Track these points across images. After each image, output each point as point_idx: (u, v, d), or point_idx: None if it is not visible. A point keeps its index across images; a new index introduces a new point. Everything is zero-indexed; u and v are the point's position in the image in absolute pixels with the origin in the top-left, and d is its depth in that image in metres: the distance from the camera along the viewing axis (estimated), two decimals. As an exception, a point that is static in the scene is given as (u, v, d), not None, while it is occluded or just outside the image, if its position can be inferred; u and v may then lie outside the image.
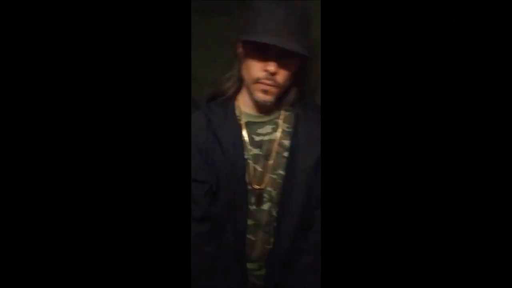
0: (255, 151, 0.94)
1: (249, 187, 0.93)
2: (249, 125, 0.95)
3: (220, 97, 0.97)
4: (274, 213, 0.93)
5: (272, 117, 0.96)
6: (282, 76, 0.88)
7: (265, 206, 0.93)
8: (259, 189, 0.93)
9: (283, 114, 0.96)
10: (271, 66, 0.86)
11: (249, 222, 0.93)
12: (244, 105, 0.96)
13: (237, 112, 0.96)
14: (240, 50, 0.91)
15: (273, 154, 0.94)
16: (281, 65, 0.87)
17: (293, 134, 0.95)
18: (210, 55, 1.34)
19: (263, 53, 0.86)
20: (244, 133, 0.95)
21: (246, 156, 0.93)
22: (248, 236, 0.93)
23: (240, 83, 0.95)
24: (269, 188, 0.93)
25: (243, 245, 0.93)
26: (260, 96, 0.90)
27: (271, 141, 0.95)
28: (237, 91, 0.97)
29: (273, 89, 0.89)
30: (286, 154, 0.94)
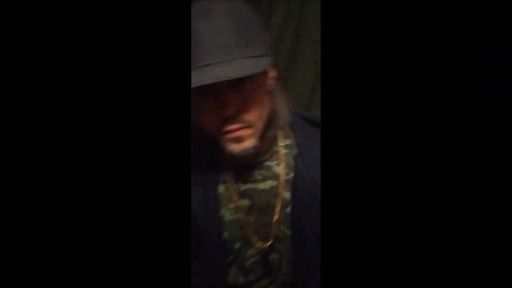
0: (244, 202, 0.74)
1: (239, 244, 0.74)
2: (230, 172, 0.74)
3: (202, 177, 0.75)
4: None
5: (261, 160, 0.75)
6: (250, 111, 0.66)
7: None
8: (262, 247, 0.73)
9: (281, 154, 0.75)
10: (227, 110, 0.64)
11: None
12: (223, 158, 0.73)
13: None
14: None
15: (275, 208, 0.74)
16: (243, 98, 0.66)
17: (293, 182, 0.74)
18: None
19: (215, 94, 0.65)
20: (221, 186, 0.74)
21: (222, 212, 0.73)
22: None
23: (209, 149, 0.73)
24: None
25: None
26: (234, 148, 0.67)
27: (265, 192, 0.75)
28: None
29: (246, 132, 0.67)
30: (288, 209, 0.74)
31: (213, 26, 0.64)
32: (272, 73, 0.71)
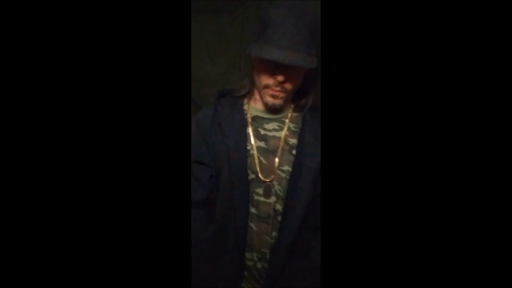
0: (260, 143, 0.98)
1: (254, 177, 0.96)
2: (255, 119, 1.01)
3: (231, 95, 1.04)
4: (279, 208, 0.96)
5: (279, 116, 1.02)
6: (290, 84, 0.95)
7: (271, 199, 0.96)
8: (266, 181, 0.96)
9: (290, 114, 1.02)
10: (279, 77, 0.92)
11: (252, 210, 0.96)
12: (254, 103, 1.03)
13: (245, 108, 1.02)
14: (250, 58, 0.96)
15: (279, 150, 0.98)
16: (289, 74, 0.93)
17: (300, 134, 1.00)
18: (211, 55, 1.34)
19: (271, 64, 0.91)
20: (249, 126, 1.00)
21: (248, 147, 0.97)
22: (250, 224, 0.96)
23: (252, 85, 1.02)
24: (275, 183, 0.96)
25: (244, 232, 0.96)
26: (269, 100, 0.97)
27: (276, 138, 0.99)
28: (249, 92, 1.03)
29: (281, 94, 0.96)
30: (293, 151, 0.98)
31: (295, 20, 0.88)
32: (316, 69, 0.97)
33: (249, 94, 1.03)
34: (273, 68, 0.92)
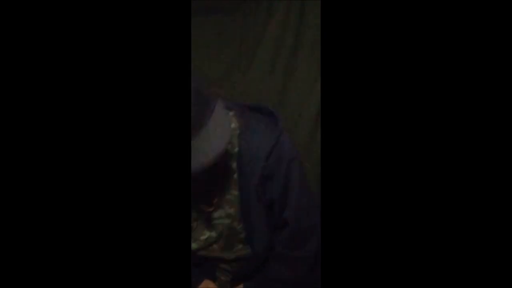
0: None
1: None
2: None
3: None
4: (237, 226, 0.98)
5: None
6: None
7: (222, 221, 0.98)
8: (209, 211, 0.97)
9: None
10: None
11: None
12: None
13: None
14: None
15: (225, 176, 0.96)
16: None
17: (238, 154, 0.96)
18: (211, 54, 1.34)
19: None
20: None
21: None
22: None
23: None
24: (225, 206, 0.97)
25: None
26: None
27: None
28: None
29: None
30: (235, 176, 0.96)
31: None
32: None
33: None
34: None
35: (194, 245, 0.99)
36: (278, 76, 1.24)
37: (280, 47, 1.22)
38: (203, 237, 1.00)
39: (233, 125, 0.96)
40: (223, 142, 0.83)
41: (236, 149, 0.96)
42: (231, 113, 0.97)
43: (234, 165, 0.96)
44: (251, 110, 1.01)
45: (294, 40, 1.21)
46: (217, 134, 0.82)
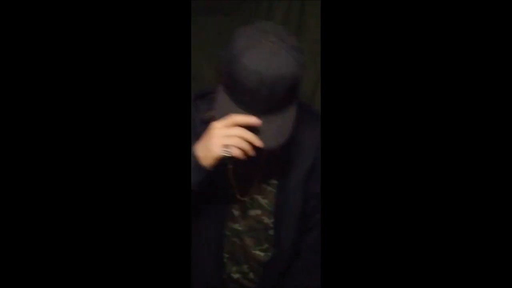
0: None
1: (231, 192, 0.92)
2: None
3: (210, 94, 0.90)
4: (267, 221, 0.93)
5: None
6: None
7: (252, 213, 0.93)
8: (243, 199, 0.92)
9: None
10: None
11: (234, 226, 0.93)
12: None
13: None
14: None
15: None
16: None
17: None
18: (210, 55, 1.34)
19: None
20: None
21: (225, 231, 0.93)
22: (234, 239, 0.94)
23: None
24: (257, 196, 0.93)
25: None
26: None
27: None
28: None
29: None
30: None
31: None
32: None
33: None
34: None
35: (227, 232, 0.94)
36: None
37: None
38: (235, 226, 0.94)
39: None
40: (291, 124, 0.78)
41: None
42: None
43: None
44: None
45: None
46: (286, 117, 0.78)
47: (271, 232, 0.93)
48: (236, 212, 0.93)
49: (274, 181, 0.92)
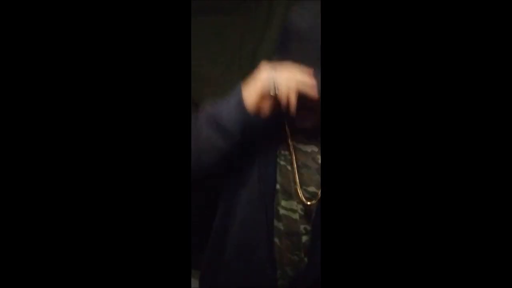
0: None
1: (279, 188, 0.88)
2: None
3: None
4: (304, 228, 0.88)
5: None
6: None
7: (296, 216, 0.88)
8: (308, 203, 0.86)
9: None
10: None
11: (277, 224, 0.88)
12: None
13: None
14: None
15: (305, 167, 0.88)
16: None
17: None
18: (210, 55, 1.34)
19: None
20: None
21: (278, 157, 0.88)
22: (274, 239, 0.88)
23: None
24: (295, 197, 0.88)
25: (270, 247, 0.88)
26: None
27: (305, 153, 0.89)
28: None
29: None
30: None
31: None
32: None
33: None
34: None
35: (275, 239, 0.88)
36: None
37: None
38: (276, 225, 0.88)
39: None
40: None
41: None
42: None
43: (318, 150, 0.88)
44: None
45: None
46: None
47: (307, 239, 0.87)
48: (281, 212, 0.88)
49: (313, 189, 0.87)
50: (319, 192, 0.86)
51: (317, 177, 0.87)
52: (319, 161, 0.88)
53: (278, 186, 0.88)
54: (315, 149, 0.88)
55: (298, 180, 0.87)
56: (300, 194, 0.86)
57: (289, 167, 0.88)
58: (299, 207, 0.88)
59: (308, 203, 0.86)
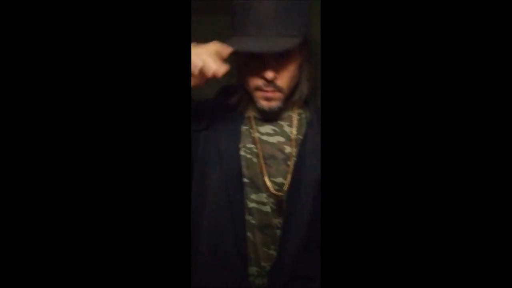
0: (251, 146, 0.88)
1: (248, 181, 0.87)
2: (251, 119, 0.90)
3: (227, 113, 0.90)
4: (277, 222, 0.87)
5: (276, 118, 0.90)
6: (283, 80, 0.83)
7: (268, 209, 0.88)
8: (277, 194, 0.86)
9: (292, 117, 0.90)
10: (268, 73, 0.80)
11: (248, 219, 0.88)
12: (252, 111, 0.91)
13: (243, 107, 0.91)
14: (233, 58, 0.83)
15: (271, 158, 0.88)
16: (279, 68, 0.81)
17: (302, 142, 0.89)
18: (210, 55, 1.33)
19: (256, 58, 0.80)
20: (243, 125, 0.89)
21: (242, 149, 0.88)
22: (247, 233, 0.87)
23: (243, 90, 0.89)
24: (265, 194, 0.88)
25: (243, 243, 0.87)
26: (264, 104, 0.85)
27: (269, 144, 0.89)
28: (242, 98, 0.91)
29: (276, 95, 0.84)
30: (288, 162, 0.88)
31: (257, 5, 0.77)
32: (303, 52, 0.84)
33: (243, 101, 0.90)
34: (259, 64, 0.80)
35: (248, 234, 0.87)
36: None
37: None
38: (248, 219, 0.87)
39: (304, 113, 0.91)
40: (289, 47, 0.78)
41: (301, 137, 0.89)
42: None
43: (290, 150, 0.88)
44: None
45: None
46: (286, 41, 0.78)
47: (278, 232, 0.86)
48: (250, 205, 0.87)
49: (281, 180, 0.87)
50: (287, 182, 0.87)
51: (284, 167, 0.88)
52: (286, 151, 0.89)
53: (245, 179, 0.88)
54: (281, 139, 0.89)
55: (265, 172, 0.88)
56: (270, 186, 0.87)
57: (255, 160, 0.88)
58: (270, 200, 0.88)
59: (279, 194, 0.86)
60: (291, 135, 0.90)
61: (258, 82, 0.82)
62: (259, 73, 0.82)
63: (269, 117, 0.89)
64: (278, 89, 0.83)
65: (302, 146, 0.88)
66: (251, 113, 0.91)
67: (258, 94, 0.84)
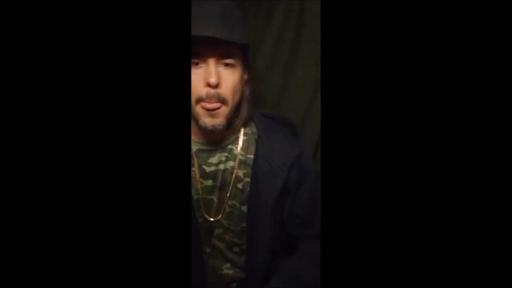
0: (206, 182, 0.88)
1: (201, 221, 0.89)
2: (198, 154, 0.87)
3: None
4: (229, 239, 0.90)
5: (225, 143, 0.88)
6: (226, 89, 0.79)
7: (218, 233, 0.90)
8: (212, 221, 0.88)
9: (240, 139, 0.89)
10: (212, 78, 0.77)
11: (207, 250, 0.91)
12: (193, 136, 0.87)
13: None
14: None
15: (230, 184, 0.88)
16: (223, 76, 0.79)
17: (253, 162, 0.88)
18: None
19: (201, 65, 0.79)
20: (193, 164, 0.87)
21: (194, 192, 0.87)
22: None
23: None
24: (223, 221, 0.89)
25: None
26: (207, 121, 0.80)
27: (225, 171, 0.89)
28: None
29: (220, 109, 0.80)
30: (239, 185, 0.88)
31: (204, 10, 0.77)
32: (246, 69, 0.84)
33: None
34: (202, 72, 0.78)
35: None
36: (278, 76, 1.24)
37: (280, 47, 1.22)
38: (206, 250, 0.91)
39: (251, 130, 0.90)
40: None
41: (252, 156, 0.88)
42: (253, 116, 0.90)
43: (243, 173, 0.88)
44: (267, 118, 0.93)
45: (294, 40, 1.21)
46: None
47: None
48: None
49: (235, 202, 0.88)
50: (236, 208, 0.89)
51: (237, 192, 0.89)
52: (239, 174, 0.88)
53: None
54: (233, 164, 0.88)
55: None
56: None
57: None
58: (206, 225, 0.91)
59: (211, 219, 0.88)
60: (241, 157, 0.88)
61: (201, 92, 0.79)
62: (202, 81, 0.79)
63: (215, 140, 0.87)
64: (221, 100, 0.79)
65: (253, 166, 0.87)
66: (196, 146, 0.88)
67: (200, 109, 0.80)
